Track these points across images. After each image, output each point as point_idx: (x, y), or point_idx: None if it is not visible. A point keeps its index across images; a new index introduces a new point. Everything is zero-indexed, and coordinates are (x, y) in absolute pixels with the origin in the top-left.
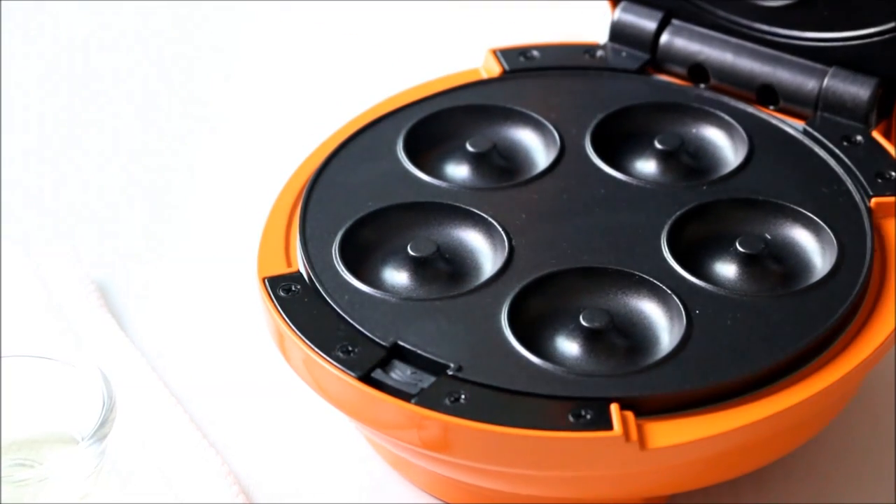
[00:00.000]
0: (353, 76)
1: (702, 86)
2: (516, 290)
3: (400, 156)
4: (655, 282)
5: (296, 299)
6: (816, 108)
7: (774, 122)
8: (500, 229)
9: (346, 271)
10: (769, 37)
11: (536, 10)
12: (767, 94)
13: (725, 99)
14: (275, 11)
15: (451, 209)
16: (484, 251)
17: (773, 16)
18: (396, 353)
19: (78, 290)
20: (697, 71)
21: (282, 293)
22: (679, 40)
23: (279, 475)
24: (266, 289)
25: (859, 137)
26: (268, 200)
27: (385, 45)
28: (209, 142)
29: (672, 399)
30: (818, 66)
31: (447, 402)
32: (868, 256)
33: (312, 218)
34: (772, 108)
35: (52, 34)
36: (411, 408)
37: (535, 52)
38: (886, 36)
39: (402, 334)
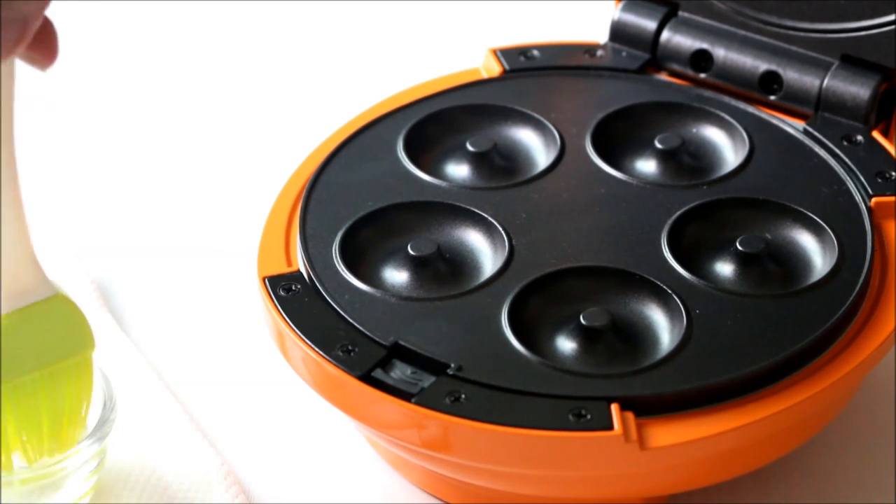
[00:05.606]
0: (353, 76)
1: (702, 75)
2: (516, 289)
3: (400, 155)
4: (656, 282)
5: (296, 299)
6: (817, 107)
7: (774, 121)
8: (500, 229)
9: (346, 271)
10: (775, 28)
11: (536, 10)
12: (770, 80)
13: (726, 99)
14: (275, 11)
15: (452, 209)
16: (484, 251)
17: (781, 6)
18: (396, 353)
19: (78, 290)
20: (700, 59)
21: (282, 292)
22: (681, 32)
23: (279, 475)
24: (266, 288)
25: (859, 137)
26: (268, 200)
27: (385, 45)
28: (209, 141)
29: (672, 399)
30: (824, 58)
31: (447, 401)
32: (868, 256)
33: (312, 218)
34: (773, 98)
35: None
36: (411, 407)
37: (535, 52)
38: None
39: (402, 334)
